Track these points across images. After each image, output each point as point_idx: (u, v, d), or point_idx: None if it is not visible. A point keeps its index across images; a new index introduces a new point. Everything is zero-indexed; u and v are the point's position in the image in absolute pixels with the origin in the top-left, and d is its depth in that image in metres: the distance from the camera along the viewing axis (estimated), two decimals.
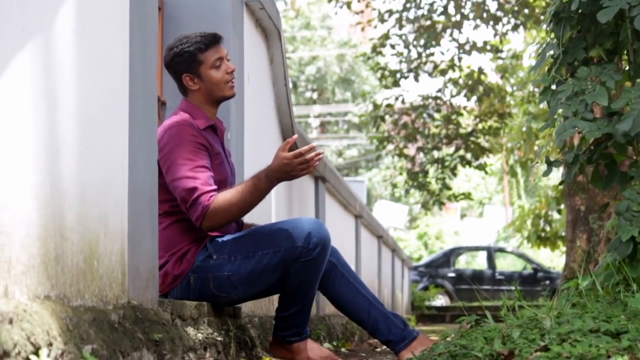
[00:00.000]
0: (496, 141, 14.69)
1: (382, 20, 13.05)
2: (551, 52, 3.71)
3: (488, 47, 13.09)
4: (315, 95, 34.08)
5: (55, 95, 2.18)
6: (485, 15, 12.39)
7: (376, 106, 13.99)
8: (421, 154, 14.26)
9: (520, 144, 13.63)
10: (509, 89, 14.60)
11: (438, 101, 13.78)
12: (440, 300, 20.27)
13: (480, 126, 13.99)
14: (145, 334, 2.57)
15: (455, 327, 3.24)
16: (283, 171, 3.40)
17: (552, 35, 3.69)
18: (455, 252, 22.02)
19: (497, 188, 35.25)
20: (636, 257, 3.30)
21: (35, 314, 1.94)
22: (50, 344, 1.96)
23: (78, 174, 2.29)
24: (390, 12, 12.96)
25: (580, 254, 7.96)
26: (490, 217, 34.04)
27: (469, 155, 13.86)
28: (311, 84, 33.54)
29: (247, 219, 3.77)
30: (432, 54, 13.19)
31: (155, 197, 2.92)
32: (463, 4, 12.51)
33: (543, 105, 4.66)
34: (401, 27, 13.01)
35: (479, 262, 27.41)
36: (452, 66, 13.20)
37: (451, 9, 12.54)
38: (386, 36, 13.21)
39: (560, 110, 3.52)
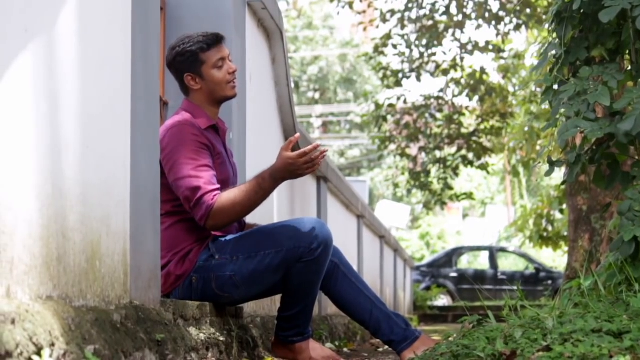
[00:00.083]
0: (498, 141, 14.67)
1: (384, 20, 13.04)
2: (553, 52, 3.70)
3: (490, 47, 13.08)
4: (317, 95, 34.08)
5: (57, 96, 2.18)
6: (487, 15, 12.38)
7: (378, 106, 13.99)
8: (423, 154, 14.25)
9: (523, 143, 13.61)
10: (511, 88, 14.58)
11: (440, 101, 13.76)
12: (443, 300, 20.26)
13: (482, 126, 13.97)
14: (147, 334, 2.57)
15: (458, 327, 3.24)
16: (287, 170, 3.40)
17: (554, 35, 3.69)
18: (457, 252, 22.01)
19: (499, 188, 35.23)
20: (638, 257, 3.30)
21: (37, 314, 1.94)
22: (53, 344, 1.96)
23: (80, 174, 2.29)
24: (393, 12, 12.96)
25: (583, 254, 7.95)
26: (492, 217, 34.02)
27: (471, 155, 13.85)
28: (313, 84, 33.53)
29: (249, 218, 3.78)
30: (434, 54, 13.18)
31: (157, 197, 2.92)
32: (465, 3, 12.50)
33: (545, 105, 4.66)
34: (403, 27, 13.00)
35: (481, 262, 27.40)
36: (454, 66, 13.19)
37: (453, 9, 12.53)
38: (388, 36, 13.20)
39: (562, 110, 3.52)
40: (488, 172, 14.99)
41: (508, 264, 26.03)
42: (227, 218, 3.41)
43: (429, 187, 14.26)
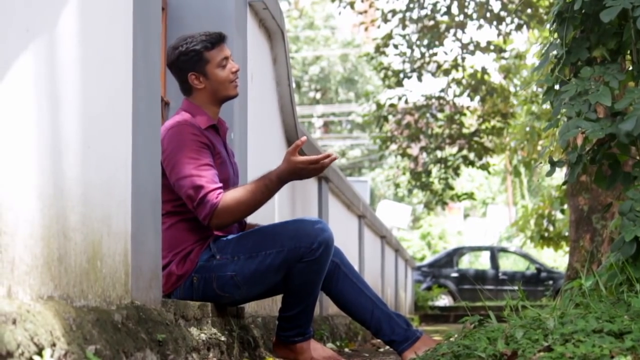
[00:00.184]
0: (499, 141, 14.67)
1: (385, 20, 13.04)
2: (554, 52, 3.70)
3: (491, 47, 13.08)
4: (318, 95, 34.08)
5: (58, 96, 2.18)
6: (488, 15, 12.38)
7: (379, 106, 13.99)
8: (424, 154, 14.24)
9: (524, 144, 13.61)
10: (512, 89, 14.58)
11: (441, 101, 13.76)
12: (444, 300, 20.26)
13: (483, 126, 13.97)
14: (148, 334, 2.57)
15: (459, 327, 3.24)
16: (296, 174, 3.45)
17: (556, 35, 3.69)
18: (458, 252, 22.01)
19: (500, 188, 35.21)
20: (639, 257, 3.30)
21: (38, 314, 1.94)
22: (54, 345, 1.96)
23: (81, 175, 2.29)
24: (394, 12, 12.96)
25: (584, 254, 7.94)
26: (493, 217, 34.01)
27: (472, 155, 13.85)
28: (314, 84, 33.53)
29: (251, 219, 3.78)
30: (436, 54, 13.18)
31: (158, 197, 2.92)
32: (466, 3, 12.50)
33: (546, 106, 4.66)
34: (404, 27, 13.00)
35: (482, 262, 27.39)
36: (455, 66, 13.19)
37: (454, 9, 12.53)
38: (389, 36, 13.20)
39: (563, 110, 3.52)
40: (489, 172, 14.99)
41: (509, 264, 26.02)
42: (231, 217, 3.42)
43: (430, 187, 14.26)
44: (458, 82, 13.45)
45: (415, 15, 12.85)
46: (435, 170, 14.14)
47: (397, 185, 16.12)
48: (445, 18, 12.80)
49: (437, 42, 12.87)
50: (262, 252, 3.47)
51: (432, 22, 12.86)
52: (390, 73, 13.51)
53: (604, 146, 3.58)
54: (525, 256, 21.53)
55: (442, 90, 13.70)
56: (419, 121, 13.91)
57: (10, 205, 1.94)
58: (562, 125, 3.53)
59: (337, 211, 7.98)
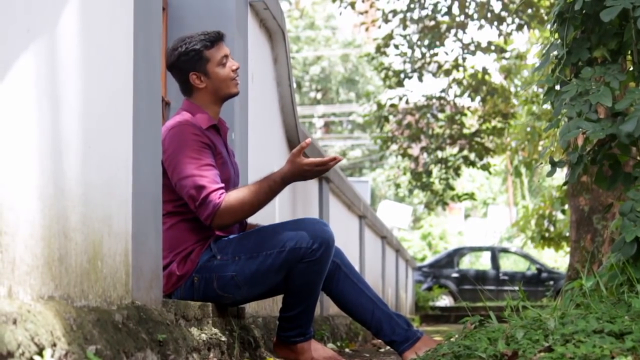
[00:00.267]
0: (500, 141, 14.66)
1: (386, 20, 13.04)
2: (555, 53, 3.70)
3: (492, 48, 13.08)
4: (319, 95, 34.08)
5: (59, 96, 2.18)
6: (489, 15, 12.38)
7: (380, 106, 13.99)
8: (425, 154, 14.24)
9: (524, 144, 13.61)
10: (513, 89, 14.58)
11: (442, 101, 13.76)
12: (444, 301, 20.26)
13: (484, 126, 13.97)
14: (149, 335, 2.57)
15: (459, 328, 3.24)
16: (301, 176, 3.47)
17: (556, 35, 3.69)
18: (459, 253, 22.01)
19: (501, 188, 35.21)
20: None
21: (39, 314, 1.94)
22: (54, 345, 1.96)
23: (82, 175, 2.29)
24: (395, 13, 12.96)
25: (584, 255, 7.94)
26: (494, 217, 34.00)
27: (472, 156, 13.84)
28: (315, 84, 33.53)
29: (251, 219, 3.78)
30: (436, 54, 13.18)
31: (159, 197, 2.92)
32: (467, 4, 12.50)
33: (547, 106, 4.66)
34: (405, 27, 13.00)
35: (483, 262, 27.40)
36: (456, 66, 13.19)
37: (455, 9, 12.53)
38: (390, 36, 13.20)
39: (564, 111, 3.52)
40: (490, 173, 14.99)
41: (510, 264, 26.00)
42: (233, 217, 3.42)
43: (430, 187, 14.25)
44: (459, 83, 13.45)
45: (416, 15, 12.85)
46: (435, 170, 14.14)
47: (397, 186, 16.12)
48: (446, 18, 12.80)
49: (437, 43, 12.86)
50: (262, 252, 3.47)
51: (432, 23, 12.86)
52: (391, 73, 13.50)
53: (604, 147, 3.58)
54: (526, 256, 21.53)
55: (443, 91, 13.70)
56: (419, 121, 13.91)
57: (11, 205, 1.94)
58: (562, 125, 3.52)
59: (338, 211, 7.98)
